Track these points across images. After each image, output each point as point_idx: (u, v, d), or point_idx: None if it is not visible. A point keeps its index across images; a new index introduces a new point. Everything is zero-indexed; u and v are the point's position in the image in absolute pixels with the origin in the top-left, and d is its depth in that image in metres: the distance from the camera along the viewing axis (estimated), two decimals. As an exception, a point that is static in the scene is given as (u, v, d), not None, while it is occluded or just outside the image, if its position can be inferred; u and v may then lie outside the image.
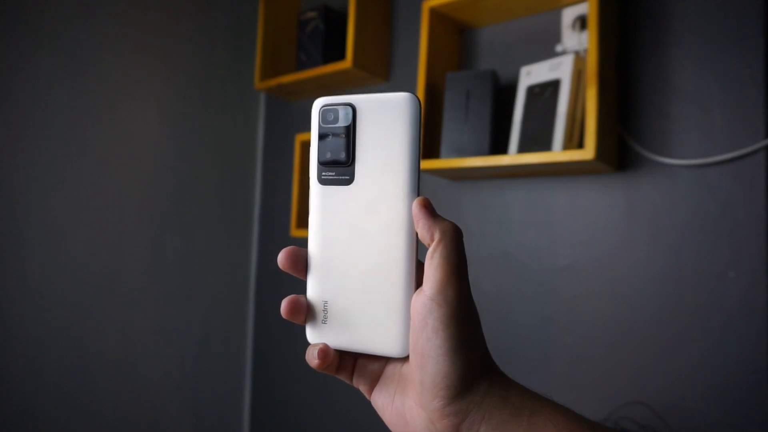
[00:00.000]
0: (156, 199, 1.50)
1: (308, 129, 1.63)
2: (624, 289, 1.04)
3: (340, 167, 0.35)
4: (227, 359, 1.70)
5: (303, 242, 1.60)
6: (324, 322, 0.35)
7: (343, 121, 0.35)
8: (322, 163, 0.35)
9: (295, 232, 1.51)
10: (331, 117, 0.35)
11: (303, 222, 1.53)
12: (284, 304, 0.35)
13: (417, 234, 0.33)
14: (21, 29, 1.24)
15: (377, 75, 1.42)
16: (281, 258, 0.35)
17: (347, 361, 0.35)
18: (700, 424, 0.94)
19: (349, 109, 0.35)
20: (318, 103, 0.36)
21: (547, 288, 1.13)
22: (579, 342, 1.08)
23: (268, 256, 1.74)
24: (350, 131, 0.35)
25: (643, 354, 1.01)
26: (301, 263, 0.35)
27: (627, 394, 1.02)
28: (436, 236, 0.31)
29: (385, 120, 0.34)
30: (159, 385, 1.51)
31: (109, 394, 1.40)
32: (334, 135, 0.35)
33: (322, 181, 0.35)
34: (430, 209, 0.32)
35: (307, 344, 0.35)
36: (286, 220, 1.67)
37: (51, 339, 1.29)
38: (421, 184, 0.35)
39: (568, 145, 1.01)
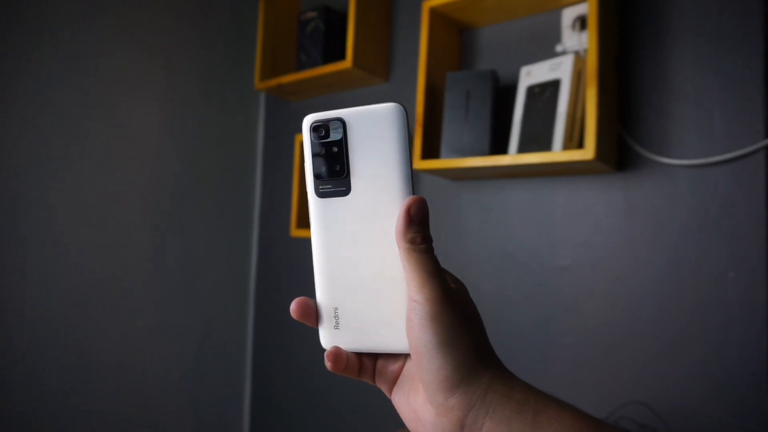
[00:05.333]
0: (156, 199, 1.50)
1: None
2: (624, 289, 1.04)
3: (337, 180, 0.36)
4: (227, 359, 1.70)
5: (302, 242, 1.60)
6: (336, 327, 0.37)
7: (334, 136, 0.36)
8: (319, 178, 0.36)
9: (295, 232, 1.51)
10: (323, 132, 0.36)
11: (303, 222, 1.53)
12: (294, 306, 0.37)
13: None
14: (21, 29, 1.24)
15: (377, 75, 1.42)
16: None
17: (367, 363, 0.37)
18: (700, 424, 0.94)
19: (340, 123, 0.36)
20: (308, 120, 0.37)
21: (547, 288, 1.13)
22: (579, 342, 1.08)
23: (268, 256, 1.74)
24: (342, 144, 0.36)
25: (643, 354, 1.01)
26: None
27: (627, 394, 1.02)
28: (403, 245, 0.33)
29: (374, 131, 0.35)
30: (159, 385, 1.51)
31: (109, 394, 1.40)
32: (328, 149, 0.36)
33: (320, 195, 0.36)
34: (417, 213, 0.33)
35: (315, 344, 0.36)
36: (286, 220, 1.67)
37: (51, 339, 1.29)
38: (415, 186, 0.35)
39: (568, 145, 1.01)
